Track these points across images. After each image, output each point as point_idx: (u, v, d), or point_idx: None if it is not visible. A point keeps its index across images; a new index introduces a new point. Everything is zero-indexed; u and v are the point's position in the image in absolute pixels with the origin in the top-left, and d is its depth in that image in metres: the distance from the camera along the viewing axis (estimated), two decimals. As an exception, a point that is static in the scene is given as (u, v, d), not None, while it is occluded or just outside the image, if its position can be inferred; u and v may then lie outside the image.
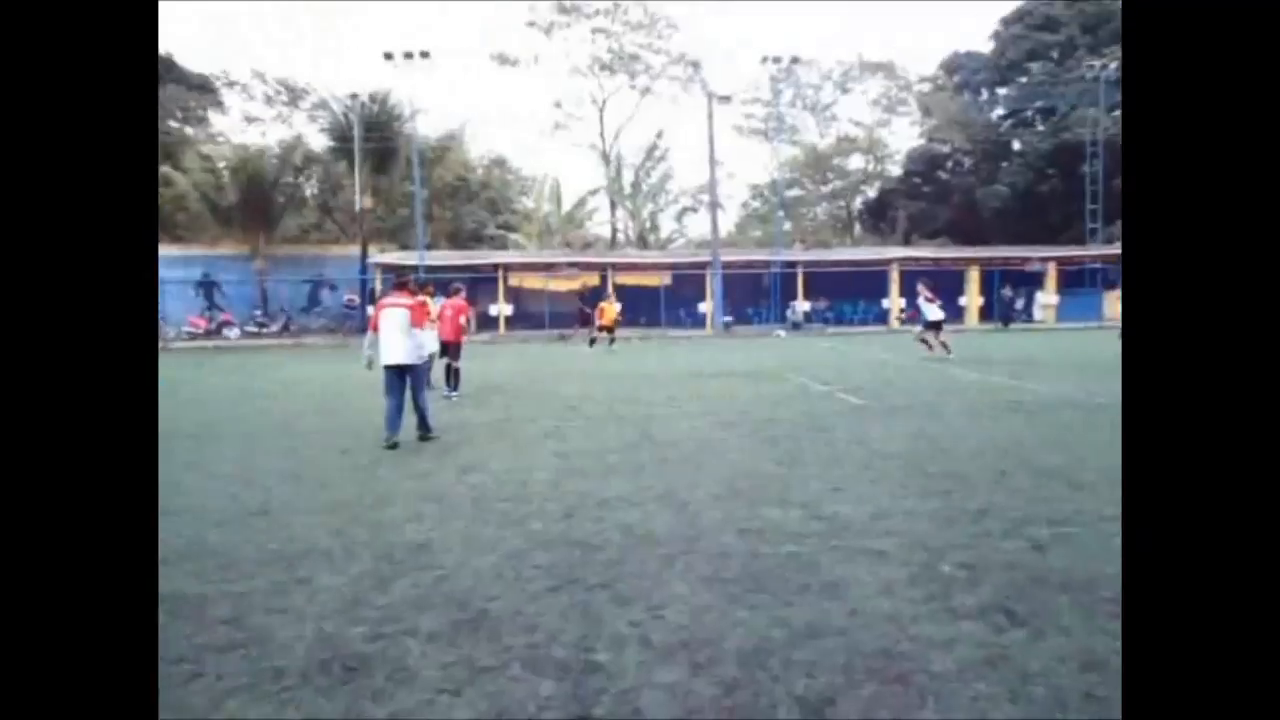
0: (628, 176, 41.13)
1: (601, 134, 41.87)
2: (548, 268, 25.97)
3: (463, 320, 10.62)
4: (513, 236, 32.53)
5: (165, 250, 24.60)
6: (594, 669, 2.92)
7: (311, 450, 7.05)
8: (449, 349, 10.50)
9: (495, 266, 25.41)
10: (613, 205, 41.51)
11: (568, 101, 41.00)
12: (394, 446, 6.95)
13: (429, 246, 32.65)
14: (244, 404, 10.58)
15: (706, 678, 2.84)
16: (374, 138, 25.34)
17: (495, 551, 4.23)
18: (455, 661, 2.99)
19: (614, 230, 41.84)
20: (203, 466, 6.42)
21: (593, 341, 19.83)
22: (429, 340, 7.93)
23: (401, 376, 7.07)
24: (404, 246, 28.46)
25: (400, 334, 7.00)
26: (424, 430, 7.31)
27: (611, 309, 19.08)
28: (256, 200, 23.84)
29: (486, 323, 25.69)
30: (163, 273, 22.93)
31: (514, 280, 26.11)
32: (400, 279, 7.87)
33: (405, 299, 7.22)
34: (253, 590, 3.74)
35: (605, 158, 41.58)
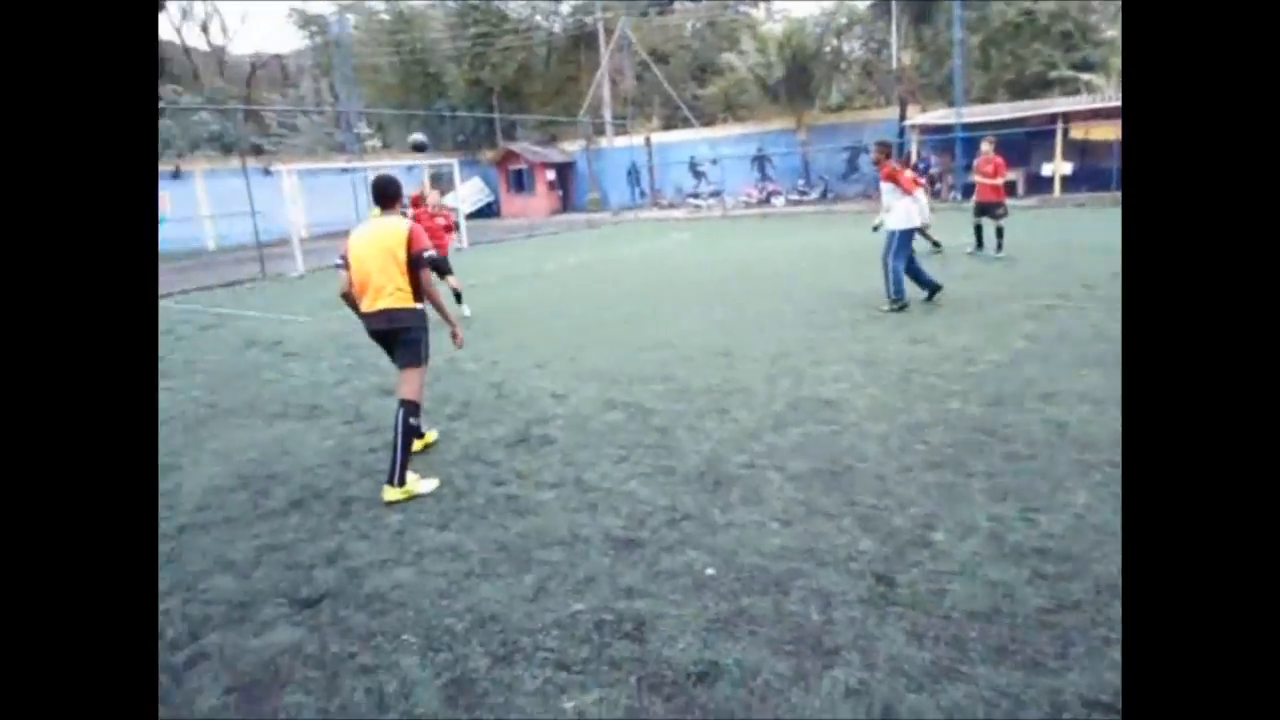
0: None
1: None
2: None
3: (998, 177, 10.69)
4: (1085, 78, 26.69)
5: (728, 130, 28.61)
6: (921, 545, 2.89)
7: (785, 308, 7.83)
8: (989, 209, 10.72)
9: (1052, 118, 21.58)
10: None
11: None
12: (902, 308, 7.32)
13: (981, 100, 29.55)
14: (755, 262, 12.06)
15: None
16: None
17: (892, 421, 4.26)
18: (798, 500, 3.33)
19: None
20: (706, 314, 7.84)
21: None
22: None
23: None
24: (950, 103, 26.47)
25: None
26: (898, 298, 7.38)
27: None
28: (799, 74, 25.21)
29: (1038, 184, 22.46)
30: (725, 150, 26.80)
31: (1076, 132, 21.82)
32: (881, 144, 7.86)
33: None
34: (686, 411, 4.69)
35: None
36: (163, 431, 5.10)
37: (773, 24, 29.77)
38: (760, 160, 26.86)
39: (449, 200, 26.57)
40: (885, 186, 7.49)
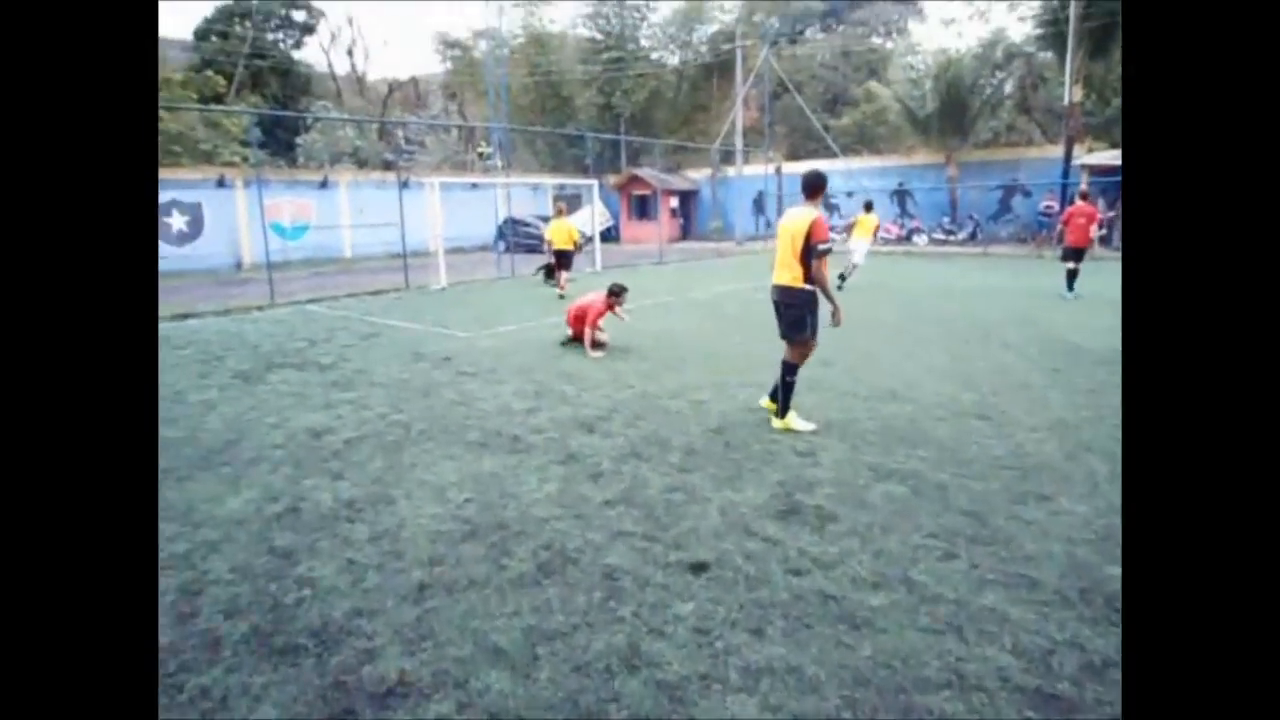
0: None
1: None
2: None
3: (1092, 228, 11.30)
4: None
5: (866, 162, 27.37)
6: None
7: (1020, 361, 6.79)
8: (1074, 254, 11.21)
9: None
10: None
11: None
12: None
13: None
14: (939, 304, 10.97)
15: None
16: (1095, 15, 21.89)
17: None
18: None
19: None
20: (921, 359, 6.91)
21: None
22: None
23: None
24: (1114, 144, 24.44)
25: None
26: None
27: None
28: (953, 106, 23.87)
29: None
30: (864, 182, 25.62)
31: None
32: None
33: None
34: (987, 491, 3.79)
35: None
36: (361, 453, 4.65)
37: (920, 55, 28.52)
38: (901, 195, 25.51)
39: (574, 221, 26.67)
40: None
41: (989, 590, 2.81)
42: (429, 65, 42.16)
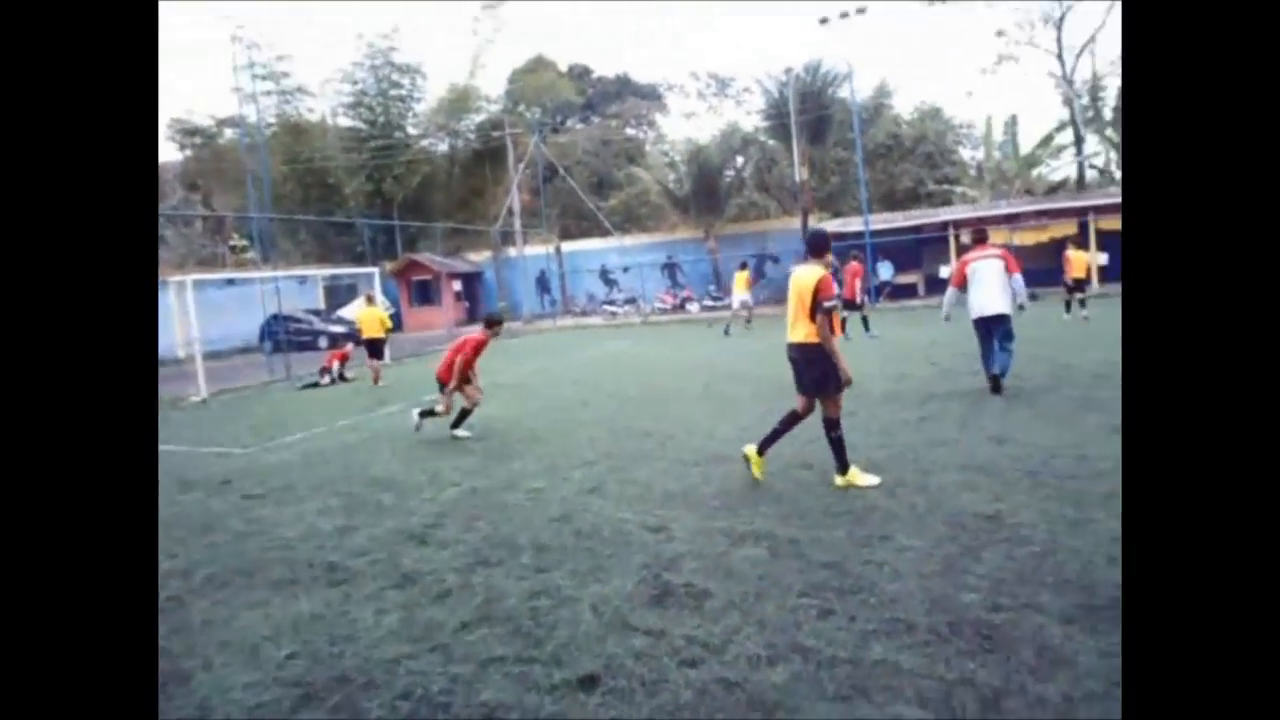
0: (1108, 101, 34.05)
1: (1060, 56, 35.50)
2: (1009, 220, 23.12)
3: (858, 283, 13.65)
4: (959, 190, 29.88)
5: (636, 239, 29.22)
6: None
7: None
8: (850, 305, 13.07)
9: (945, 225, 23.62)
10: (1078, 139, 35.02)
11: (1013, 28, 35.79)
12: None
13: (857, 212, 32.22)
14: (732, 365, 11.72)
15: None
16: (808, 109, 25.87)
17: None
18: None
19: (1081, 169, 35.34)
20: (732, 419, 7.23)
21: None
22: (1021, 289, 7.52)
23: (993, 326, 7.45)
24: (836, 214, 28.57)
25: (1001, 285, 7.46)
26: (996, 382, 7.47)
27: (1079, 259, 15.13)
28: (705, 187, 26.53)
29: (937, 287, 24.13)
30: (637, 257, 27.21)
31: (967, 238, 23.94)
32: (978, 232, 8.09)
33: (995, 251, 7.52)
34: (840, 540, 3.96)
35: (1068, 84, 35.18)
36: (129, 620, 3.70)
37: (670, 143, 31.41)
38: (671, 268, 27.43)
39: (346, 313, 24.99)
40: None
41: (874, 642, 2.87)
42: (164, 153, 37.77)
